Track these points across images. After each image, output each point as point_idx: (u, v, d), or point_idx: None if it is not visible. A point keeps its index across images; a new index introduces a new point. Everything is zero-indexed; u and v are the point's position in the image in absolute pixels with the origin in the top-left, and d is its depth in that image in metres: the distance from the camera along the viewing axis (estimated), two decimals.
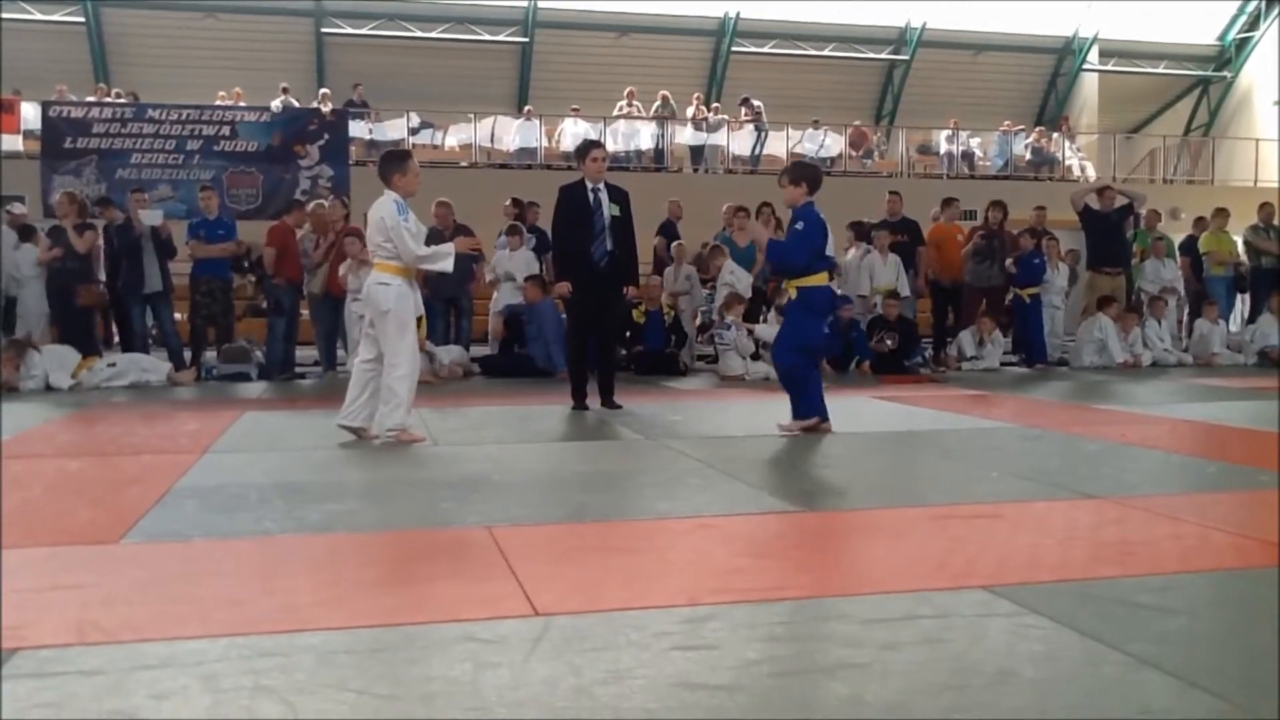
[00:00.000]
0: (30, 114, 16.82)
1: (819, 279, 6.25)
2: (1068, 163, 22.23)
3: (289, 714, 2.02)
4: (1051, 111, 24.89)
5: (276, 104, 18.00)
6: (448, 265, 6.07)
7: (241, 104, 17.92)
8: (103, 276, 10.59)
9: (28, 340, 9.55)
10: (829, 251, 6.29)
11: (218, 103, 18.01)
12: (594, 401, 7.55)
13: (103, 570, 3.20)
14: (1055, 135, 22.65)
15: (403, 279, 5.89)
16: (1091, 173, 21.80)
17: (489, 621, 2.61)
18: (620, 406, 7.48)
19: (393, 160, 6.07)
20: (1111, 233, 12.40)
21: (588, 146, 7.75)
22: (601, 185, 7.47)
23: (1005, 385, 9.84)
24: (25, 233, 10.79)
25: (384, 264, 5.89)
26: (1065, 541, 3.47)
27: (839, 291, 11.10)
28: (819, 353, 6.49)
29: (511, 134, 19.95)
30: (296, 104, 18.43)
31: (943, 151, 21.87)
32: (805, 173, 6.36)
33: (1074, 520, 3.79)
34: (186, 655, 2.35)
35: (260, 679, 2.20)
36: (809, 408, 6.27)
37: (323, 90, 19.25)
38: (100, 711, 2.03)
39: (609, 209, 7.40)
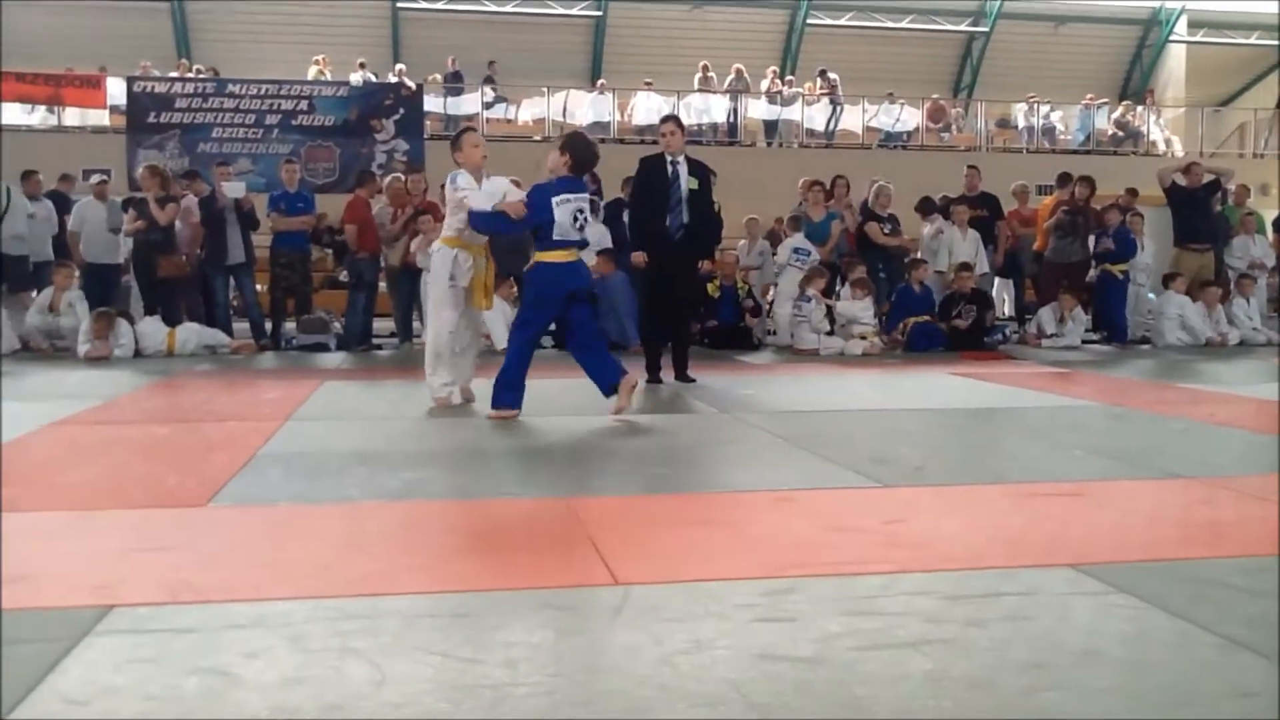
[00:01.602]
0: (116, 90, 17.19)
1: (555, 255, 5.69)
2: (1152, 137, 21.66)
3: (376, 675, 2.05)
4: (1136, 84, 24.24)
5: (356, 79, 18.23)
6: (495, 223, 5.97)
7: (324, 77, 18.22)
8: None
9: (118, 311, 9.79)
10: (568, 235, 5.69)
11: (310, 72, 18.35)
12: (668, 375, 7.54)
13: (192, 532, 3.28)
14: (1140, 109, 22.06)
15: (448, 247, 6.10)
16: (1178, 148, 21.22)
17: (569, 589, 2.62)
18: (694, 380, 7.47)
19: (452, 141, 6.39)
20: (1198, 209, 12.05)
21: (660, 121, 8.10)
22: (681, 159, 7.43)
23: (1086, 363, 9.65)
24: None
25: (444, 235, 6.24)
26: (1153, 521, 3.40)
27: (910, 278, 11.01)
28: (541, 334, 5.98)
29: (584, 108, 19.99)
30: (374, 79, 18.63)
31: (1022, 125, 21.44)
32: (569, 144, 5.89)
33: (1161, 500, 3.71)
34: (275, 616, 2.40)
35: (347, 640, 2.24)
36: (500, 395, 5.68)
37: (399, 65, 19.43)
38: (195, 668, 2.08)
39: (687, 183, 7.36)
